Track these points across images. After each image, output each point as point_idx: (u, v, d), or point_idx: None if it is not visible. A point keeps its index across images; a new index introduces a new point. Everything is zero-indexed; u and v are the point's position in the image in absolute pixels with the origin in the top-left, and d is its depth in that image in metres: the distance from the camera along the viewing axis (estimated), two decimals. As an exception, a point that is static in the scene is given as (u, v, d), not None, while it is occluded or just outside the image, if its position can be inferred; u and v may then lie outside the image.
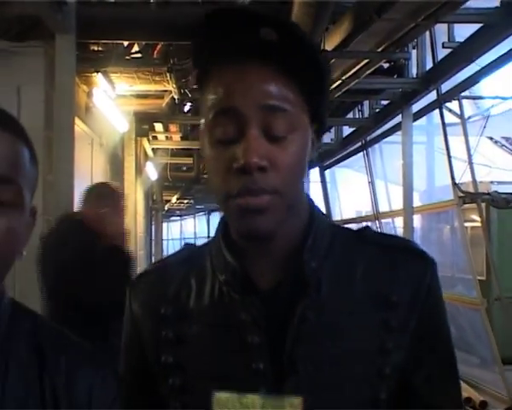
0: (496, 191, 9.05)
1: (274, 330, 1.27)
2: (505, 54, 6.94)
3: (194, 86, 8.15)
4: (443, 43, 7.65)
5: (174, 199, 24.27)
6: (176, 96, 8.31)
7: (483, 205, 9.02)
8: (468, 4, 5.68)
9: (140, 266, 13.21)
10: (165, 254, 24.41)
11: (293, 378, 1.25)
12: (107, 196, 4.80)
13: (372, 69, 7.59)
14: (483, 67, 7.55)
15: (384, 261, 1.34)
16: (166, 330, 1.36)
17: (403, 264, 1.33)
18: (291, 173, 1.24)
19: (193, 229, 35.93)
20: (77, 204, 4.87)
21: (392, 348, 1.28)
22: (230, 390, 1.26)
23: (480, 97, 10.72)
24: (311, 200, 1.40)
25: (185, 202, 27.58)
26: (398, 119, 9.33)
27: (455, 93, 8.68)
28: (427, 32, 7.51)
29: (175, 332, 1.35)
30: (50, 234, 4.52)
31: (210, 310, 1.34)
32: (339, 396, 1.26)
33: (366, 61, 7.26)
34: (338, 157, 14.03)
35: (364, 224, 11.46)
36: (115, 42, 6.51)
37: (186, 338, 1.34)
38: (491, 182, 10.10)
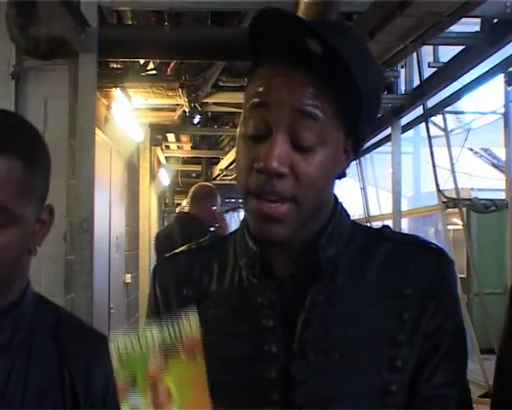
0: (476, 197, 9.03)
1: (289, 315, 1.22)
2: (484, 73, 6.94)
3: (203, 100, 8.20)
4: (429, 63, 7.63)
5: (184, 202, 24.26)
6: (187, 110, 8.25)
7: (464, 210, 9.00)
8: (451, 28, 5.67)
9: (153, 264, 13.25)
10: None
11: (302, 362, 1.19)
12: (210, 195, 6.19)
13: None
14: (464, 85, 7.54)
15: (399, 256, 1.28)
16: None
17: (417, 259, 1.27)
18: (312, 185, 1.17)
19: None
20: (186, 202, 6.19)
21: (403, 341, 1.21)
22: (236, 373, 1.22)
23: (461, 112, 10.70)
24: (336, 198, 1.32)
25: (194, 205, 27.55)
26: (387, 131, 9.30)
27: (439, 108, 8.66)
28: (415, 53, 7.48)
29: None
30: (169, 227, 6.14)
31: (229, 293, 1.30)
32: (347, 384, 1.19)
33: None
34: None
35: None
36: (132, 60, 6.50)
37: (204, 319, 1.20)
38: (472, 189, 10.09)
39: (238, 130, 1.24)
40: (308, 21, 1.26)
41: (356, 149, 1.25)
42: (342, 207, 1.32)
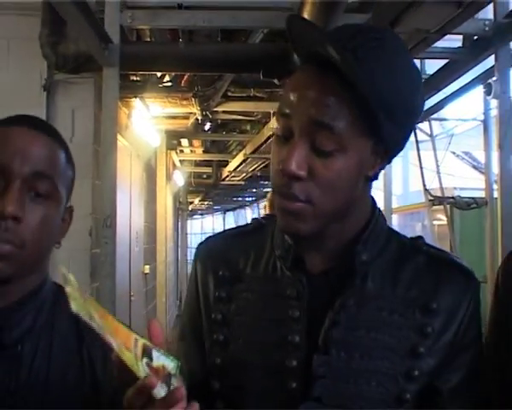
0: (458, 196, 9.00)
1: (316, 310, 1.18)
2: (466, 84, 6.93)
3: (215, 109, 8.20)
4: (416, 75, 7.66)
5: (196, 201, 24.27)
6: (199, 117, 8.24)
7: (448, 207, 8.99)
8: (436, 44, 5.67)
9: (169, 256, 13.26)
10: (189, 245, 24.41)
11: (324, 357, 1.15)
12: None
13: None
14: (448, 95, 7.53)
15: (430, 271, 1.22)
16: (220, 291, 1.28)
17: (448, 277, 1.21)
18: (331, 188, 1.12)
19: (211, 225, 35.91)
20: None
21: (423, 353, 1.16)
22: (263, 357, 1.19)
23: (445, 119, 10.68)
24: (375, 203, 1.28)
25: (205, 203, 27.55)
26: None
27: (425, 116, 8.63)
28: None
29: (227, 294, 1.27)
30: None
31: (262, 280, 1.26)
32: (364, 385, 1.14)
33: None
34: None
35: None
36: (150, 73, 6.51)
37: (235, 301, 1.26)
38: (455, 188, 10.08)
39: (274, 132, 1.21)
40: (333, 30, 1.22)
41: (389, 153, 1.19)
42: (380, 212, 1.27)
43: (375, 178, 1.20)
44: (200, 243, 1.40)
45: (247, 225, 1.39)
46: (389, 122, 1.11)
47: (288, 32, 1.17)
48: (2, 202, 1.15)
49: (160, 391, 0.96)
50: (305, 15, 4.42)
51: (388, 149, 1.18)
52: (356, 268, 1.19)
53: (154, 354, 0.99)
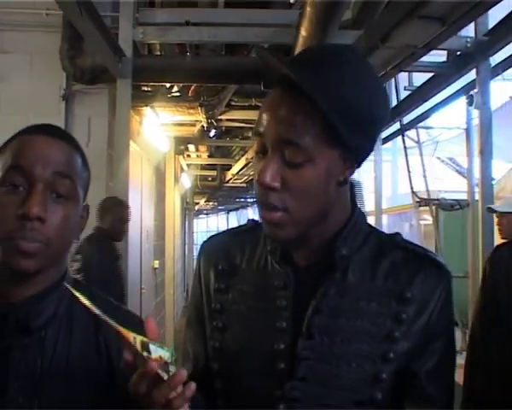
0: (443, 198, 9.01)
1: (301, 299, 1.20)
2: (450, 95, 6.94)
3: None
4: (404, 87, 7.61)
5: (202, 202, 24.18)
6: (204, 125, 8.23)
7: (434, 208, 8.99)
8: (423, 59, 5.68)
9: (176, 252, 13.25)
10: (195, 242, 24.39)
11: (307, 341, 1.17)
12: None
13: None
14: (434, 105, 7.54)
15: (406, 264, 1.22)
16: (219, 283, 1.30)
17: (422, 269, 1.21)
18: (302, 195, 1.14)
19: (216, 224, 35.79)
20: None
21: (398, 338, 1.17)
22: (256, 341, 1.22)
23: (431, 127, 10.68)
24: (354, 202, 1.28)
25: (210, 203, 27.46)
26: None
27: (413, 124, 8.64)
28: (393, 79, 7.50)
29: (225, 285, 1.29)
30: None
31: (255, 273, 1.28)
32: (344, 366, 1.16)
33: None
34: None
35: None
36: (160, 84, 6.52)
37: (232, 292, 1.29)
38: (439, 191, 10.06)
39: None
40: (298, 53, 1.26)
41: (357, 160, 1.21)
42: (360, 212, 1.28)
43: (345, 182, 1.21)
44: (204, 241, 1.43)
45: (244, 225, 1.42)
46: (355, 132, 1.13)
47: (261, 62, 1.21)
48: (27, 204, 1.16)
49: (163, 375, 1.01)
50: (303, 32, 4.43)
51: (356, 155, 1.19)
52: (336, 262, 1.20)
53: (151, 347, 1.03)
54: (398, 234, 1.31)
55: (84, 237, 3.86)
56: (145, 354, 1.02)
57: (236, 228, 1.43)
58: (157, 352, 1.03)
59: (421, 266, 1.22)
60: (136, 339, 1.03)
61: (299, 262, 1.24)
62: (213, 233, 1.50)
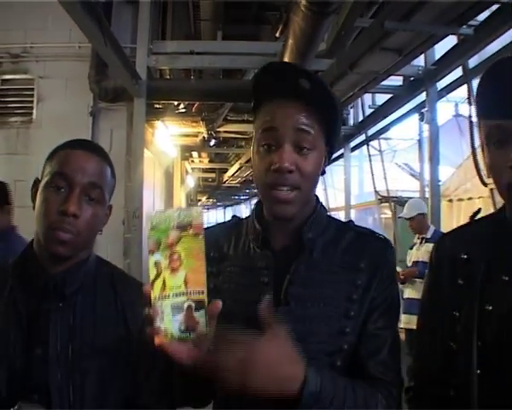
0: (400, 196, 9.07)
1: (279, 275, 1.22)
2: (405, 113, 6.99)
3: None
4: (369, 105, 7.66)
5: (203, 199, 24.09)
6: (205, 136, 8.24)
7: (392, 204, 9.03)
8: (384, 82, 5.74)
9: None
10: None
11: (285, 308, 1.19)
12: None
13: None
14: (392, 120, 7.59)
15: (358, 241, 1.26)
16: (211, 267, 1.29)
17: (370, 244, 1.25)
18: (310, 177, 1.19)
19: (215, 217, 35.59)
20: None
21: (356, 299, 1.20)
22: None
23: (390, 138, 10.70)
24: (317, 197, 1.32)
25: (210, 200, 27.33)
26: (341, 151, 9.29)
27: (376, 136, 8.69)
28: (360, 98, 7.54)
29: (217, 269, 1.30)
30: None
31: (240, 257, 1.30)
32: (315, 325, 1.18)
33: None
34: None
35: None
36: (169, 102, 6.53)
37: (223, 274, 1.30)
38: (397, 190, 10.06)
39: (252, 149, 1.25)
40: (297, 67, 1.31)
41: (330, 155, 1.27)
42: (322, 204, 1.32)
43: (324, 172, 1.27)
44: None
45: (229, 220, 1.43)
46: (335, 132, 1.24)
47: (260, 76, 1.23)
48: (67, 203, 1.24)
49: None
50: (286, 59, 4.47)
51: (331, 152, 1.27)
52: (304, 243, 1.23)
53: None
54: (350, 221, 1.35)
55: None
56: (189, 303, 1.01)
57: (223, 222, 1.45)
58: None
59: (370, 242, 1.26)
60: (203, 292, 1.04)
61: (276, 246, 1.27)
62: (207, 226, 1.48)
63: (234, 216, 1.43)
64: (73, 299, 1.30)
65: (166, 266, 1.01)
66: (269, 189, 1.19)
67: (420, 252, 5.51)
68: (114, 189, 1.39)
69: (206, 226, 1.16)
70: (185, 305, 1.02)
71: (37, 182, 1.33)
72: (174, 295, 1.01)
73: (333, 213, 12.09)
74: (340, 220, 1.35)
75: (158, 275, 1.01)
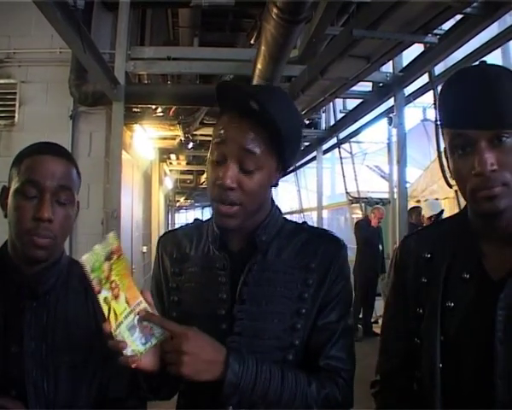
0: (370, 197, 9.16)
1: (235, 275, 1.24)
2: (375, 117, 7.06)
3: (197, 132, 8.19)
4: (340, 110, 7.75)
5: (182, 200, 24.03)
6: (182, 139, 8.24)
7: (363, 205, 9.12)
8: (354, 88, 5.77)
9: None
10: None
11: (241, 306, 1.22)
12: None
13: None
14: (363, 124, 7.65)
15: (311, 242, 1.27)
16: (174, 268, 1.34)
17: (322, 244, 1.26)
18: (253, 194, 1.19)
19: (193, 217, 35.41)
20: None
21: (307, 298, 1.23)
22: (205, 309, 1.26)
23: (361, 142, 10.80)
24: (273, 201, 1.33)
25: (188, 201, 27.29)
26: (314, 154, 9.33)
27: (347, 139, 8.76)
28: (331, 103, 7.59)
29: (179, 269, 1.33)
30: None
31: (200, 258, 1.32)
32: (268, 322, 1.21)
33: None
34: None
35: (302, 219, 11.28)
36: (147, 106, 6.50)
37: (184, 274, 1.32)
38: (367, 191, 10.16)
39: (208, 158, 1.25)
40: (252, 88, 1.33)
41: (284, 170, 1.26)
42: (277, 207, 1.34)
43: (276, 185, 1.28)
44: (161, 236, 1.44)
45: (191, 223, 1.45)
46: (288, 149, 1.21)
47: (219, 90, 1.25)
48: (41, 210, 1.25)
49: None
50: (259, 66, 4.48)
51: (285, 167, 1.26)
52: (257, 246, 1.26)
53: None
54: (304, 222, 1.37)
55: None
56: (137, 317, 1.12)
57: (185, 225, 1.46)
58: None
59: (322, 243, 1.27)
60: (141, 303, 1.13)
61: (233, 248, 1.29)
62: (169, 229, 1.50)
63: (196, 219, 1.45)
64: (46, 298, 1.32)
65: (112, 298, 1.11)
66: (213, 201, 1.21)
67: None
68: (80, 186, 1.40)
69: (169, 230, 1.19)
70: (135, 321, 1.11)
71: (4, 189, 1.33)
72: (125, 318, 1.11)
73: (306, 215, 12.21)
74: (295, 222, 1.37)
75: (109, 309, 1.10)
